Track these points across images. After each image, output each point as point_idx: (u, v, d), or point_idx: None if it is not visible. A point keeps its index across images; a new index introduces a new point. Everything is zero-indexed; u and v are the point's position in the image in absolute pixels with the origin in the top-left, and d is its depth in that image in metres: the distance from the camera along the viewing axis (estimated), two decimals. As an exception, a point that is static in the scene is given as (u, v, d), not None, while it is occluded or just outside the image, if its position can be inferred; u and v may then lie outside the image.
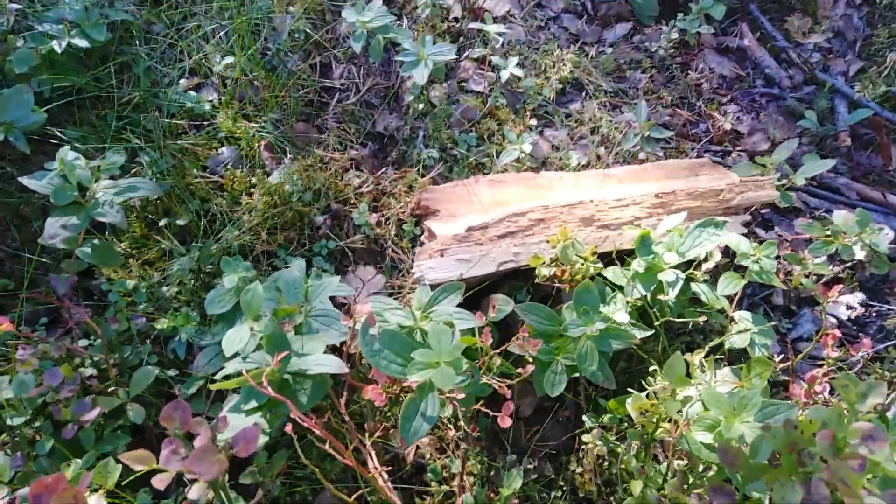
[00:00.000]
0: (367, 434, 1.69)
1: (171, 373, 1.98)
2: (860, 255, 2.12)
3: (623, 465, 1.89)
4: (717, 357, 1.94)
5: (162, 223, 2.26)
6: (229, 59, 2.57)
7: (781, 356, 1.95)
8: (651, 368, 1.78)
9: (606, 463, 1.95)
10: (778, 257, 2.14)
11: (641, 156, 2.65)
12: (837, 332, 1.83)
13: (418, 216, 2.37)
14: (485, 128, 2.67)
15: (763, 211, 2.60)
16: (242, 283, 1.84)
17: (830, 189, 2.67)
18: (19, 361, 1.66)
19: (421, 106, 2.64)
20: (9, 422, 1.64)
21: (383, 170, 2.52)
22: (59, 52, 2.27)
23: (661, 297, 1.89)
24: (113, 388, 1.82)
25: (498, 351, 1.67)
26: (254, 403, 1.57)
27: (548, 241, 1.94)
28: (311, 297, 1.80)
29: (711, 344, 1.86)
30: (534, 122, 2.70)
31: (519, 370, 1.61)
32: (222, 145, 2.47)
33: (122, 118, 2.40)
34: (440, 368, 1.42)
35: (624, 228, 2.12)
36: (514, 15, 3.03)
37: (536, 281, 1.95)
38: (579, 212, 2.13)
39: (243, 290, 1.63)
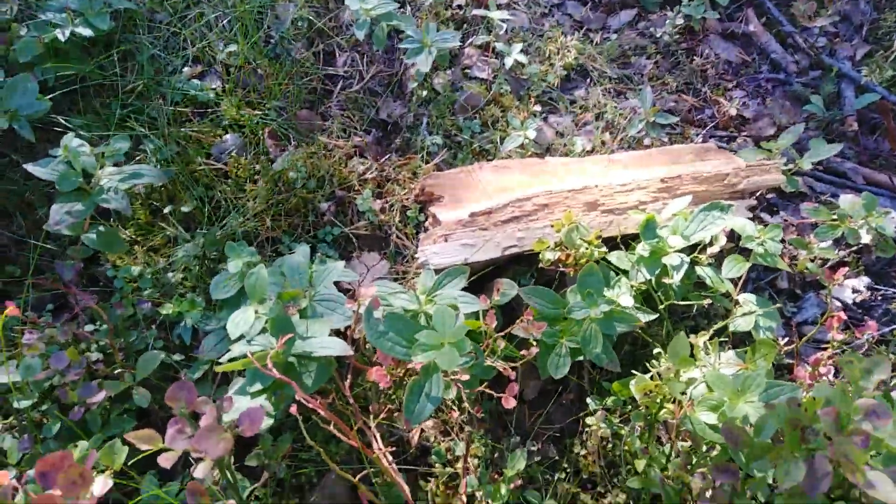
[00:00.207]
0: (371, 416, 1.70)
1: (177, 357, 1.99)
2: (866, 238, 2.11)
3: (626, 447, 1.89)
4: (722, 340, 1.94)
5: (166, 210, 2.27)
6: (232, 48, 2.57)
7: (786, 340, 1.95)
8: (655, 351, 1.78)
9: (610, 445, 1.95)
10: (783, 241, 2.13)
11: (646, 141, 2.64)
12: (843, 315, 1.83)
13: (422, 202, 2.37)
14: (489, 114, 2.66)
15: (769, 196, 2.59)
16: (247, 268, 1.85)
17: (837, 174, 2.65)
18: (26, 345, 1.68)
19: (425, 93, 2.64)
20: (16, 405, 1.66)
21: (387, 156, 2.52)
22: (63, 40, 2.27)
23: (665, 280, 1.89)
24: (119, 372, 1.83)
25: (502, 334, 1.67)
26: (259, 386, 1.58)
27: (552, 226, 1.93)
28: (316, 281, 1.81)
29: (716, 326, 1.86)
30: (538, 108, 2.70)
31: (523, 352, 1.61)
32: (226, 133, 2.47)
33: (126, 106, 2.40)
34: (444, 349, 1.43)
35: (629, 213, 2.11)
36: (518, 2, 3.02)
37: (541, 265, 1.95)
38: (584, 197, 2.13)
39: (248, 274, 1.63)
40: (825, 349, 2.06)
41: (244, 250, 1.86)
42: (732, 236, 2.15)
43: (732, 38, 3.05)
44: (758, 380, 1.45)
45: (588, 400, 1.94)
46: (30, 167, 1.91)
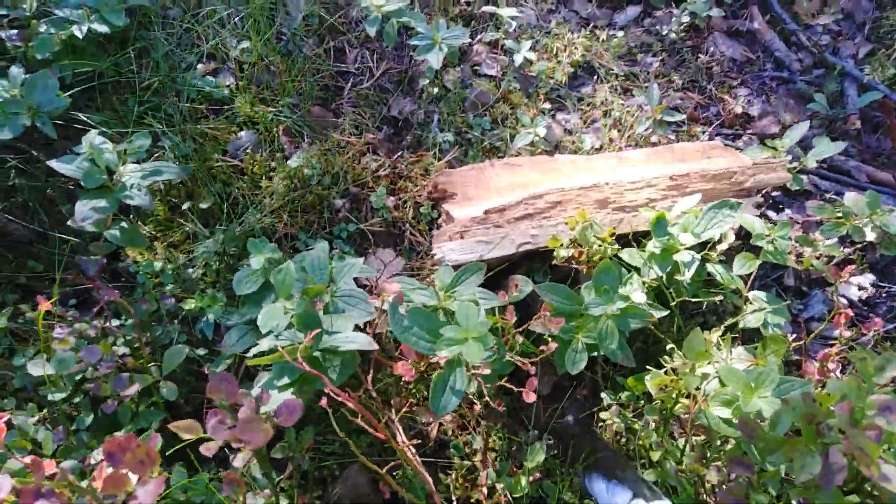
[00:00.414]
0: (393, 410, 1.75)
1: (200, 352, 2.03)
2: (871, 236, 2.16)
3: (641, 441, 1.95)
4: (732, 336, 1.99)
5: (185, 206, 2.31)
6: (245, 44, 2.60)
7: (793, 336, 2.01)
8: (668, 347, 1.83)
9: (624, 439, 2.01)
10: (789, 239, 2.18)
11: (654, 139, 2.68)
12: (850, 312, 1.88)
13: (435, 199, 2.41)
14: (498, 111, 2.70)
15: (774, 194, 2.64)
16: (269, 264, 1.89)
17: (841, 172, 2.70)
18: (57, 340, 1.71)
19: (435, 90, 2.67)
20: (50, 397, 1.70)
21: (399, 153, 2.55)
22: (81, 37, 2.29)
23: (677, 277, 1.94)
24: (146, 366, 1.87)
25: (520, 330, 1.72)
26: (286, 380, 1.62)
27: (566, 223, 1.98)
28: (336, 278, 1.85)
29: (727, 322, 1.91)
30: (547, 105, 2.74)
31: (542, 348, 1.66)
32: (241, 129, 2.50)
33: (143, 103, 2.43)
34: (469, 344, 1.47)
35: (639, 210, 2.16)
36: (526, -1, 3.06)
37: (554, 262, 2.00)
38: (595, 194, 2.17)
39: (274, 270, 1.67)
40: (831, 345, 2.12)
41: (266, 246, 1.90)
42: (739, 234, 2.20)
43: (737, 35, 3.10)
44: (771, 375, 1.51)
45: (602, 395, 1.99)
46: (54, 164, 1.94)
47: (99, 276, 2.05)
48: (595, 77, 2.91)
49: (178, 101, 2.45)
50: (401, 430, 1.67)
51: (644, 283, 1.97)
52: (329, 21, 2.76)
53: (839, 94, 2.86)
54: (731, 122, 2.83)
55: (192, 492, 1.68)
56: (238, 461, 1.23)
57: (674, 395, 1.67)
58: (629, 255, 2.05)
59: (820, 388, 1.76)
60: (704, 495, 1.65)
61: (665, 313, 1.96)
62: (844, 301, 2.41)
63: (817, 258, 2.21)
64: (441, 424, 2.03)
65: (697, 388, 1.60)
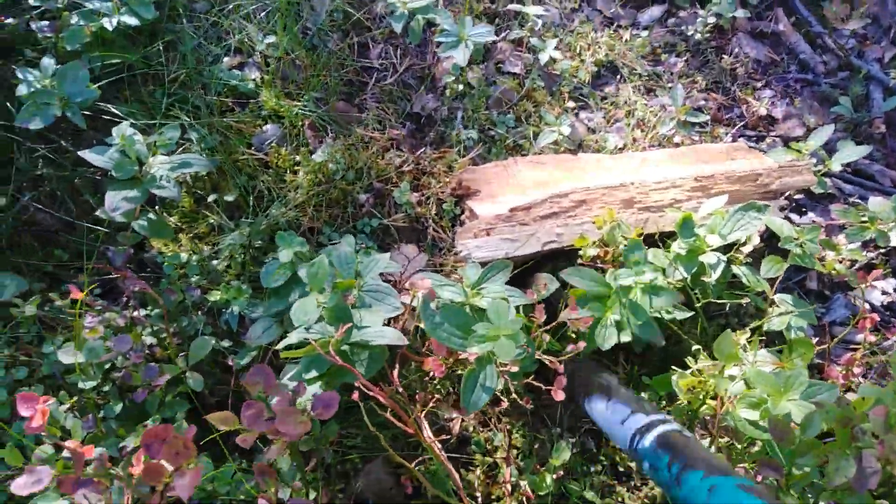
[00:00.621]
0: (418, 405, 1.76)
1: (225, 343, 2.04)
2: (895, 241, 2.15)
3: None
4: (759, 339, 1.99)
5: (210, 199, 2.32)
6: (271, 39, 2.61)
7: (815, 340, 2.00)
8: (694, 348, 1.83)
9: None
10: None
11: (677, 139, 2.68)
12: (875, 316, 1.88)
13: (459, 196, 2.41)
14: (522, 109, 2.71)
15: (797, 196, 2.63)
16: (297, 257, 1.90)
17: (865, 176, 2.70)
18: (87, 328, 1.73)
19: (460, 87, 2.67)
20: (80, 385, 1.72)
21: (422, 150, 2.56)
22: (110, 29, 2.31)
23: (703, 278, 1.93)
24: (174, 356, 1.88)
25: (547, 328, 1.73)
26: (314, 373, 1.63)
27: (593, 223, 1.98)
28: (363, 273, 1.86)
29: (753, 325, 1.91)
30: (570, 104, 2.74)
31: (570, 346, 1.66)
32: (266, 123, 2.52)
33: (170, 95, 2.44)
34: (501, 341, 1.48)
35: (665, 211, 2.16)
36: (550, -3, 3.06)
37: (579, 261, 2.00)
38: (620, 194, 2.18)
39: (307, 264, 1.68)
40: (852, 350, 2.12)
41: (294, 240, 1.91)
42: (763, 236, 2.20)
43: (762, 37, 3.08)
44: (800, 378, 1.51)
45: (626, 393, 1.99)
46: (86, 154, 1.96)
47: (125, 267, 2.06)
48: (618, 76, 2.91)
49: (204, 94, 2.46)
50: (426, 425, 1.68)
51: (669, 283, 1.97)
52: (354, 16, 2.77)
53: (864, 97, 2.85)
54: (754, 124, 2.82)
55: (219, 482, 1.69)
56: (272, 453, 1.24)
57: (701, 397, 1.67)
58: (654, 255, 2.04)
59: (844, 392, 1.75)
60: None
61: (689, 314, 1.96)
62: (867, 306, 2.40)
63: (840, 262, 2.20)
64: (463, 421, 2.04)
65: (726, 390, 1.60)
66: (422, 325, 1.96)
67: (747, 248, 2.03)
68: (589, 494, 1.90)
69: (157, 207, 2.30)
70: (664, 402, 2.00)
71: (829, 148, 2.63)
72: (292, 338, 1.64)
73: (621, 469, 2.01)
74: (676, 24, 3.06)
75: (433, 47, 2.81)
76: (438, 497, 1.77)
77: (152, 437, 1.09)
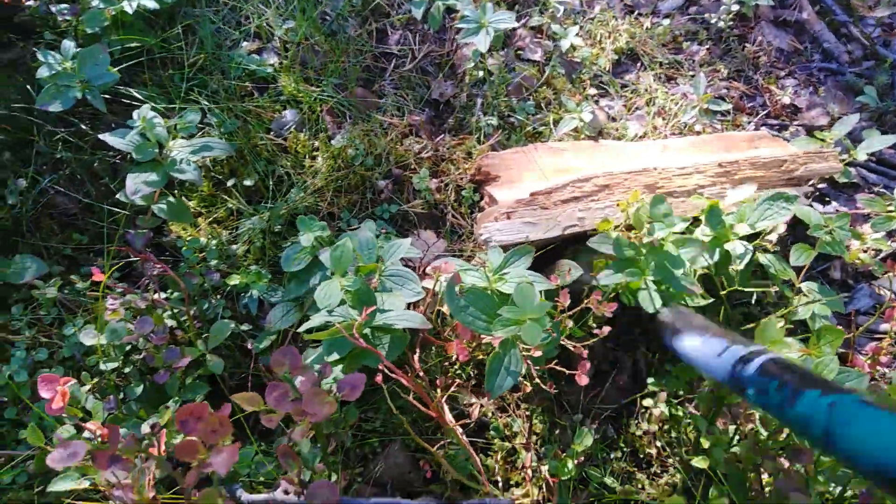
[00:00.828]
0: (438, 390, 1.74)
1: (244, 327, 2.04)
2: (922, 230, 2.12)
3: (684, 430, 1.93)
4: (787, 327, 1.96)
5: (229, 183, 2.31)
6: (290, 23, 2.60)
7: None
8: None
9: (667, 426, 1.99)
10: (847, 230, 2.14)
11: (698, 128, 2.65)
12: (903, 305, 1.85)
13: (478, 182, 2.39)
14: (541, 96, 2.68)
15: (820, 186, 2.59)
16: (317, 242, 1.89)
17: (890, 165, 2.65)
18: (109, 310, 1.73)
19: (480, 73, 2.65)
20: (102, 366, 1.71)
21: (441, 136, 2.54)
22: (130, 12, 2.30)
23: (731, 267, 1.91)
24: (194, 339, 1.88)
25: (570, 314, 1.71)
26: (336, 356, 1.62)
27: (617, 205, 1.96)
28: (385, 257, 1.84)
29: (781, 312, 1.88)
30: (591, 91, 2.71)
31: (595, 331, 1.65)
32: (285, 108, 2.50)
33: (189, 79, 2.44)
34: (527, 325, 1.46)
35: (688, 196, 2.13)
36: (570, -17, 3.02)
37: (602, 246, 1.98)
38: (643, 179, 2.15)
39: (332, 247, 1.67)
40: (877, 340, 2.09)
41: (315, 224, 1.90)
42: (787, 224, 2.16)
43: (785, 25, 3.04)
44: (830, 364, 1.48)
45: (650, 380, 1.97)
46: (106, 137, 1.95)
47: (145, 250, 2.06)
48: (639, 64, 2.88)
49: (223, 79, 2.45)
50: (447, 410, 1.67)
51: (694, 271, 1.94)
52: (373, 2, 2.75)
53: (889, 86, 2.80)
54: (777, 113, 2.78)
55: (239, 464, 1.69)
56: (297, 433, 1.23)
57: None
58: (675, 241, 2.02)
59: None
60: (748, 484, 1.64)
61: (710, 301, 1.93)
62: (892, 295, 2.37)
63: (864, 251, 2.17)
64: (482, 407, 2.02)
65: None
66: (443, 310, 1.96)
67: (773, 237, 2.00)
68: (609, 480, 1.88)
69: (176, 192, 2.29)
70: (682, 392, 1.98)
71: (854, 137, 2.59)
72: (315, 321, 1.63)
73: (641, 456, 1.99)
74: (698, 12, 3.02)
75: (452, 34, 2.79)
76: (458, 481, 1.76)
77: (188, 415, 1.08)
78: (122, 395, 1.77)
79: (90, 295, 1.99)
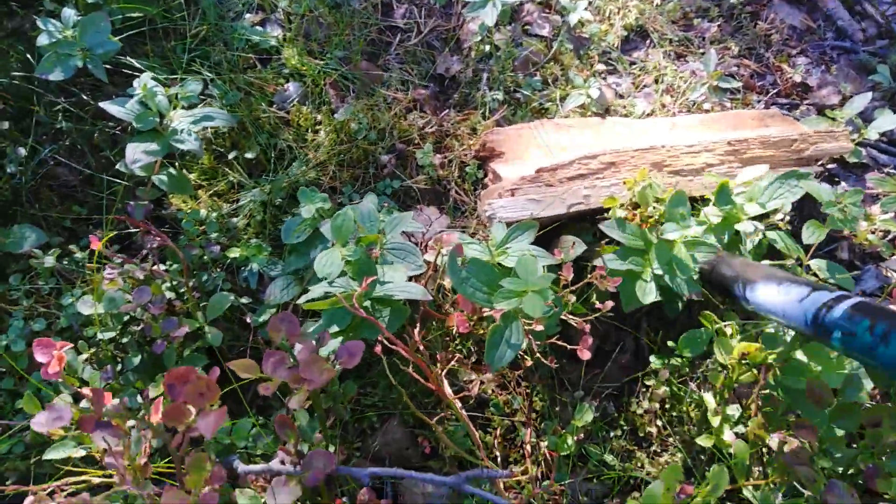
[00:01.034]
0: (438, 365, 1.73)
1: (244, 300, 2.02)
2: (932, 212, 2.09)
3: (685, 408, 1.91)
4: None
5: (231, 156, 2.29)
6: (294, -5, 2.56)
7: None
8: (723, 308, 1.79)
9: (668, 405, 1.97)
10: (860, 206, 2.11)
11: (706, 106, 2.60)
12: (912, 285, 1.82)
13: (482, 158, 2.36)
14: (548, 72, 2.64)
15: (830, 166, 2.55)
16: (318, 214, 1.87)
17: (901, 146, 2.61)
18: (107, 280, 1.71)
19: (486, 48, 2.61)
20: (98, 335, 1.70)
21: (445, 111, 2.51)
22: (131, -20, 2.27)
23: (740, 247, 1.88)
24: (193, 310, 1.87)
25: (573, 289, 1.69)
26: (336, 328, 1.60)
27: (624, 183, 1.93)
28: (387, 230, 1.82)
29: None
30: (600, 67, 2.67)
31: (598, 306, 1.62)
32: (288, 81, 2.47)
33: (191, 51, 2.40)
34: (528, 297, 1.44)
35: (697, 174, 2.10)
36: (579, -42, 2.96)
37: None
38: (651, 156, 2.12)
39: (332, 217, 1.65)
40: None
41: (316, 196, 1.87)
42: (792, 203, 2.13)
43: (798, 2, 2.98)
44: (838, 342, 1.45)
45: (651, 358, 1.95)
46: (106, 105, 1.93)
47: (144, 221, 2.04)
48: (648, 41, 2.83)
49: (226, 50, 2.42)
50: (447, 384, 1.65)
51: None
52: (378, -26, 2.71)
53: (903, 66, 2.75)
54: (788, 92, 2.73)
55: (237, 436, 1.68)
56: (294, 402, 1.21)
57: (755, 362, 1.62)
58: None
59: None
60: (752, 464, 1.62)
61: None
62: (900, 277, 2.34)
63: (872, 232, 2.14)
64: (482, 383, 2.01)
65: (776, 357, 1.55)
66: (445, 284, 1.93)
67: (779, 217, 1.97)
68: (608, 458, 1.87)
69: (176, 164, 2.27)
70: (687, 369, 1.96)
71: (866, 117, 2.55)
72: (315, 292, 1.61)
73: (641, 434, 1.97)
74: (709, -11, 2.97)
75: (459, 8, 2.74)
76: (457, 457, 1.75)
77: (175, 379, 1.06)
78: (119, 366, 1.76)
79: (89, 267, 1.98)
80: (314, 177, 2.27)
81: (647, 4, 2.88)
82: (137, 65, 2.28)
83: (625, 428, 1.99)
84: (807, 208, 2.30)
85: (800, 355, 1.55)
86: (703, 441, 1.66)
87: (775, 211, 1.99)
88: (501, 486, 1.52)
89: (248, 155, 2.29)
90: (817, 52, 2.83)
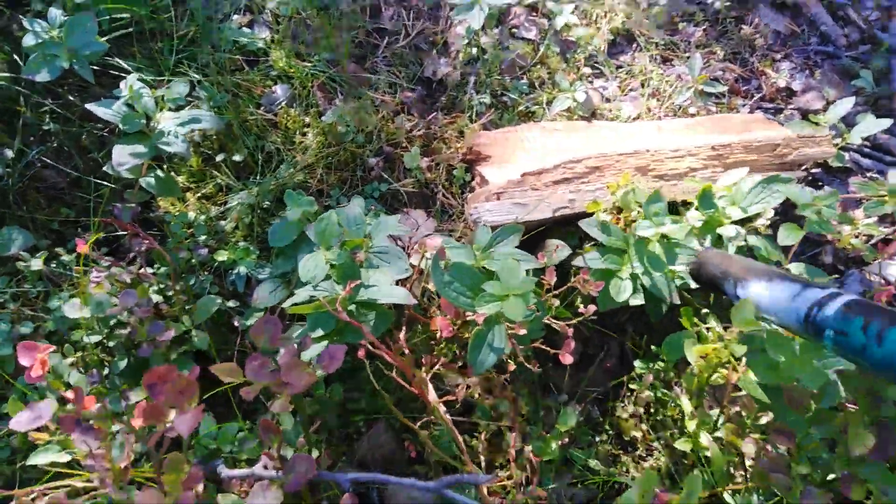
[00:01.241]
0: (423, 369, 1.74)
1: (231, 304, 2.03)
2: (914, 215, 2.11)
3: (669, 412, 1.93)
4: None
5: (218, 158, 2.29)
6: (282, -3, 2.56)
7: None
8: (703, 311, 1.80)
9: (653, 409, 1.99)
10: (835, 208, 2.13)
11: (692, 110, 2.63)
12: (893, 289, 1.84)
13: (469, 161, 2.37)
14: (535, 76, 2.66)
15: (814, 170, 2.58)
16: (305, 217, 1.87)
17: (884, 150, 2.64)
18: (93, 283, 1.71)
19: (473, 51, 2.63)
20: (85, 339, 1.70)
21: (433, 114, 2.52)
22: (119, -19, 2.26)
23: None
24: (180, 314, 1.87)
25: (556, 293, 1.70)
26: (320, 332, 1.61)
27: (607, 188, 1.95)
28: (372, 234, 1.83)
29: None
30: (586, 71, 2.68)
31: (581, 310, 1.64)
32: (275, 83, 2.48)
33: (179, 52, 2.40)
34: (510, 300, 1.45)
35: (680, 179, 2.12)
36: (567, -38, 2.98)
37: (591, 228, 1.97)
38: (635, 161, 2.13)
39: (316, 220, 1.65)
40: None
41: (303, 199, 1.88)
42: (776, 208, 2.15)
43: (782, 7, 3.01)
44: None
45: (636, 362, 1.97)
46: (92, 107, 1.93)
47: (132, 224, 2.04)
48: (634, 45, 2.85)
49: (213, 52, 2.42)
50: (431, 388, 1.66)
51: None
52: (366, -23, 2.71)
53: (886, 71, 2.78)
54: (772, 96, 2.76)
55: (222, 440, 1.68)
56: (276, 406, 1.22)
57: (713, 364, 1.64)
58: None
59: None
60: (733, 468, 1.64)
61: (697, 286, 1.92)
62: (882, 281, 2.36)
63: (855, 237, 2.16)
64: (468, 387, 2.02)
65: (739, 358, 1.57)
66: (430, 288, 1.95)
67: (760, 221, 1.99)
68: (593, 463, 1.88)
69: (164, 166, 2.27)
70: (672, 374, 1.97)
71: (849, 121, 2.57)
72: (299, 295, 1.62)
73: (626, 439, 1.99)
74: (695, -7, 2.99)
75: (447, 11, 2.76)
76: (442, 462, 1.76)
77: (155, 378, 1.07)
78: (106, 370, 1.76)
79: (76, 270, 1.98)
80: (302, 179, 2.28)
81: (634, 9, 2.90)
82: (125, 66, 2.27)
83: (610, 432, 2.01)
84: (791, 213, 2.32)
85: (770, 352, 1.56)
86: (682, 445, 1.68)
87: (758, 215, 2.01)
88: (485, 490, 1.53)
89: (236, 157, 2.29)
90: (801, 57, 2.86)
